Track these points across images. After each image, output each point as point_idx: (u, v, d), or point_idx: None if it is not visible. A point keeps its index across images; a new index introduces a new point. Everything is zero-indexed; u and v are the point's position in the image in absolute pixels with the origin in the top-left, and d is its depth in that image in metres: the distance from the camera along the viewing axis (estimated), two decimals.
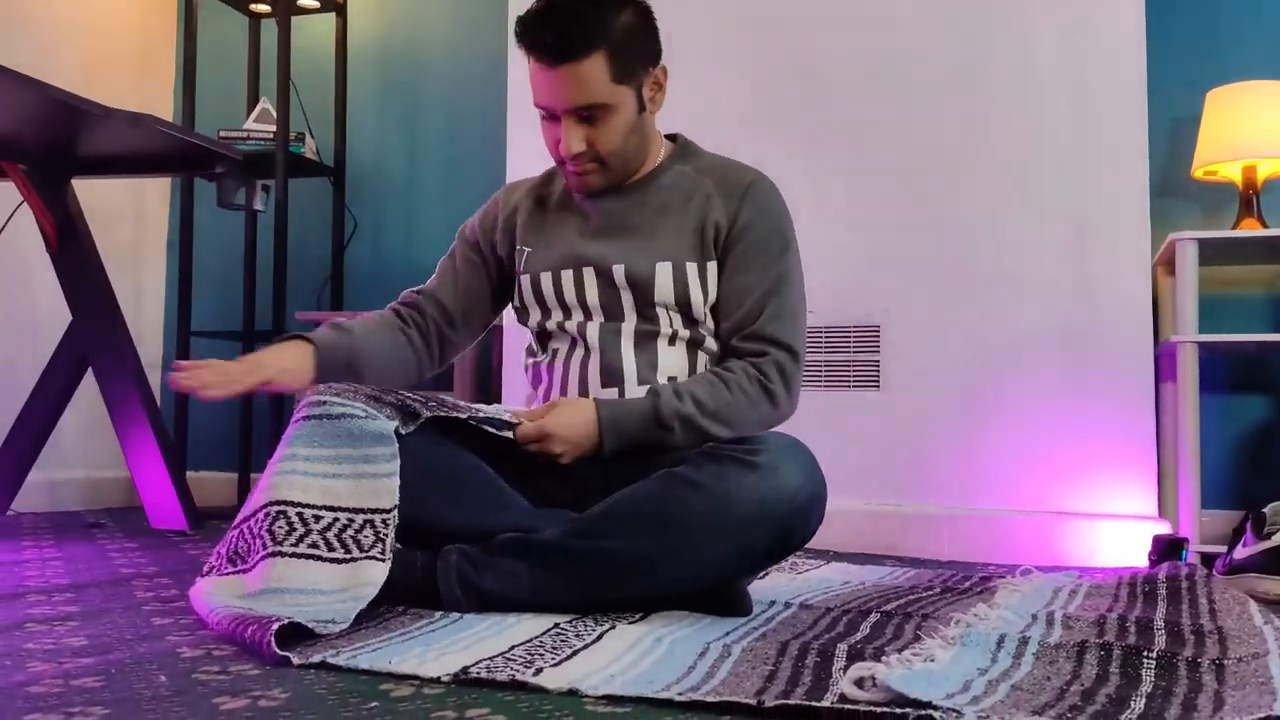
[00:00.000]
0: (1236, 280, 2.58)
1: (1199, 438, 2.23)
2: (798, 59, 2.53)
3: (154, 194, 3.46)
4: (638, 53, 1.51)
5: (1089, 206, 2.32)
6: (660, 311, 1.53)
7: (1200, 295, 2.29)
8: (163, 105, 3.45)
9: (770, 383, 1.50)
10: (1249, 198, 2.38)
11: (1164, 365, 2.44)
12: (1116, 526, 2.21)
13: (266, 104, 3.09)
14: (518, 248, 1.64)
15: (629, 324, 1.54)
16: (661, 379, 1.51)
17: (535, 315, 1.61)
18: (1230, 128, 2.36)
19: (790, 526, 1.33)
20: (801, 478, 1.33)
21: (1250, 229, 2.34)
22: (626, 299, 1.54)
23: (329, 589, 1.22)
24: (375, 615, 1.28)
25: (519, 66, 2.75)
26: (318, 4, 3.17)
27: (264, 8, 3.22)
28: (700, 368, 1.55)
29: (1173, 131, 2.60)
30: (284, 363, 1.52)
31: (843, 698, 0.90)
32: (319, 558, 1.24)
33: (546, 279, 1.59)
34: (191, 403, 3.13)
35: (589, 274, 1.56)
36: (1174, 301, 2.31)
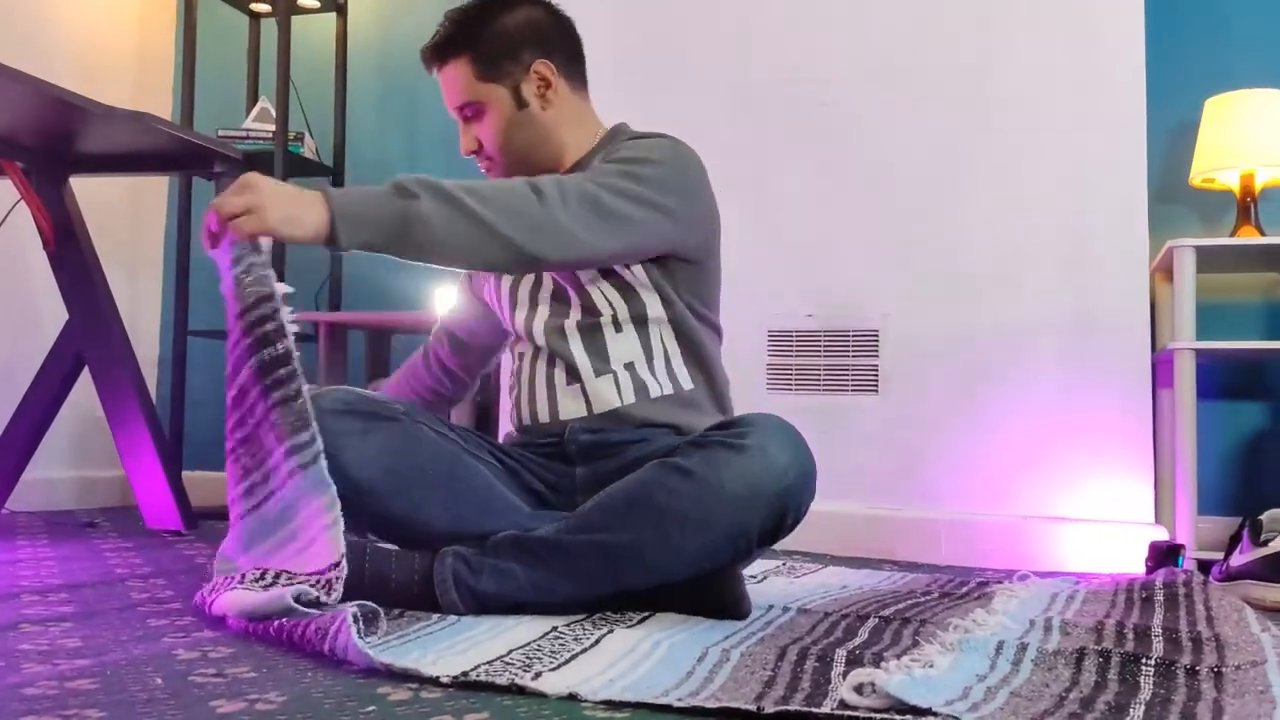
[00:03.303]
0: (1234, 288, 2.58)
1: (1196, 445, 2.23)
2: (794, 63, 2.53)
3: (152, 193, 3.45)
4: (508, 53, 1.57)
5: (1087, 213, 2.33)
6: (594, 293, 1.53)
7: (1198, 302, 2.29)
8: (162, 104, 3.44)
9: (541, 184, 1.40)
10: (1247, 205, 2.38)
11: (1161, 372, 2.44)
12: (1113, 532, 2.21)
13: (266, 103, 3.08)
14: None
15: (572, 319, 1.54)
16: (618, 368, 1.53)
17: (504, 320, 1.65)
18: (1229, 136, 2.37)
19: (783, 506, 1.33)
20: (789, 456, 1.33)
21: (1248, 237, 2.34)
22: (563, 290, 1.56)
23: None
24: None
25: None
26: (318, 4, 3.16)
27: (264, 7, 3.22)
28: (658, 346, 1.55)
29: (1171, 138, 2.60)
30: None
31: (842, 704, 0.90)
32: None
33: (505, 279, 1.63)
34: (188, 402, 3.12)
35: (532, 274, 1.59)
36: (1172, 309, 2.31)
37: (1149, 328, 2.30)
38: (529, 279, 1.61)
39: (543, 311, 1.58)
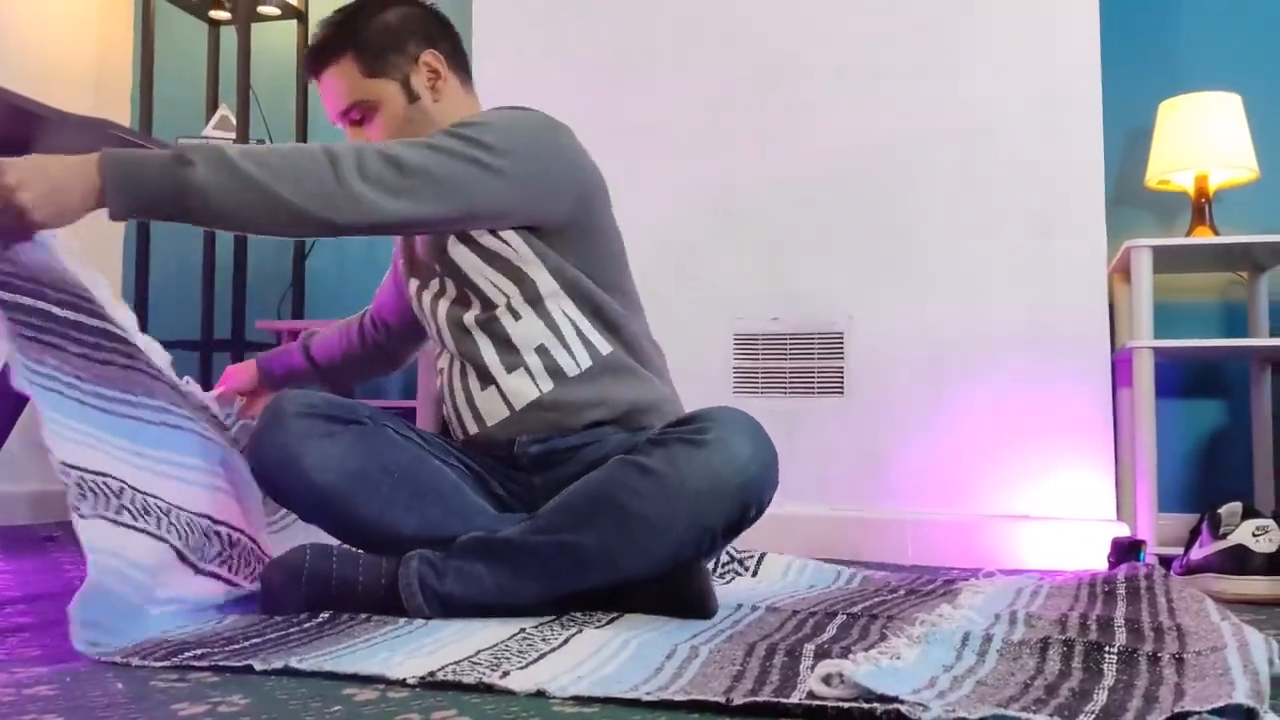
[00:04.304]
0: (1190, 287, 2.63)
1: (1156, 442, 2.26)
2: (756, 67, 2.55)
3: None
4: (393, 46, 1.54)
5: (1046, 215, 2.36)
6: (483, 283, 1.50)
7: (1155, 302, 2.33)
8: (121, 111, 3.40)
9: (339, 149, 1.34)
10: (1201, 206, 2.43)
11: (1121, 371, 2.48)
12: (1076, 529, 2.24)
13: (226, 110, 3.06)
14: (402, 261, 1.69)
15: (471, 315, 1.51)
16: (529, 355, 1.49)
17: (429, 330, 1.63)
18: (1183, 138, 2.41)
19: (745, 498, 1.33)
20: (751, 448, 1.32)
21: (1203, 236, 2.38)
22: (454, 292, 1.53)
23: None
24: (339, 622, 1.26)
25: (483, 73, 2.75)
26: (278, 11, 3.15)
27: (223, 14, 3.20)
28: (562, 320, 1.50)
29: (1127, 141, 2.65)
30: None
31: (811, 695, 0.90)
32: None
33: (413, 290, 1.62)
34: None
35: (430, 279, 1.57)
36: (1130, 308, 2.35)
37: (1108, 327, 2.33)
38: (431, 288, 1.56)
39: (445, 312, 1.55)
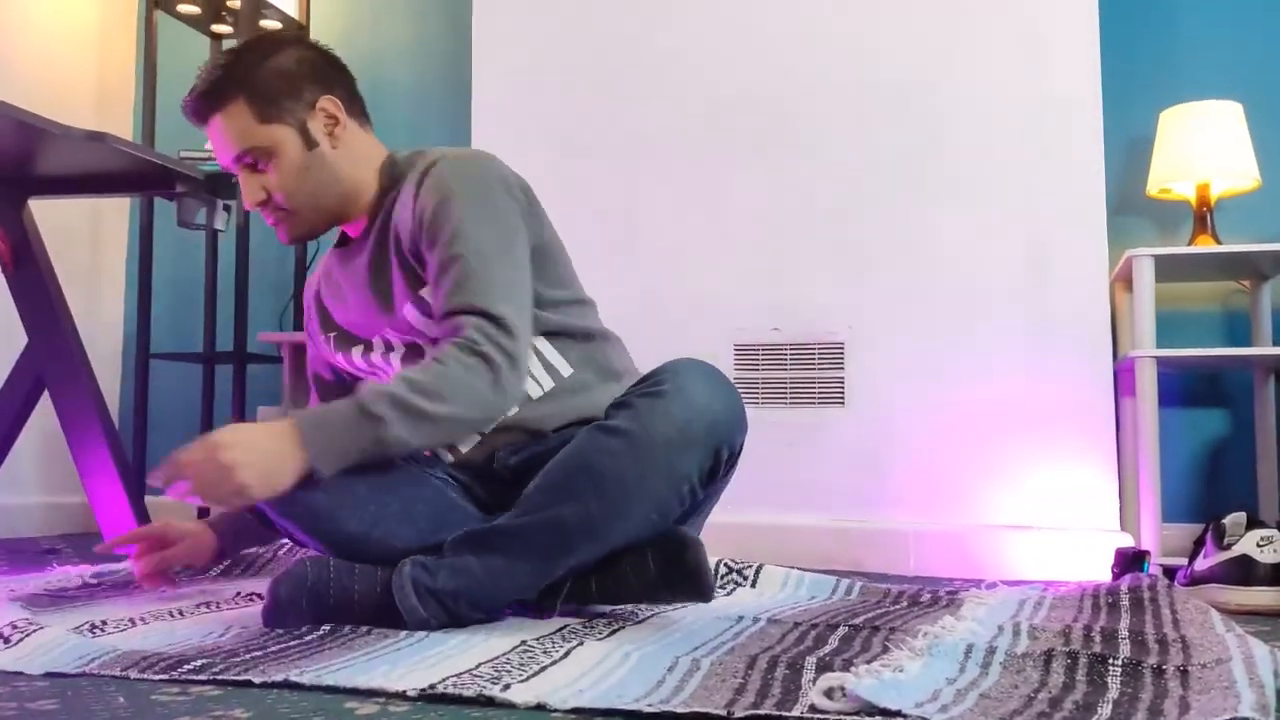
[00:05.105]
0: (1192, 296, 2.62)
1: (1159, 452, 2.26)
2: (755, 78, 2.55)
3: (113, 214, 3.42)
4: (288, 91, 1.47)
5: (1047, 224, 2.36)
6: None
7: (1157, 311, 2.33)
8: (123, 125, 3.42)
9: (479, 346, 1.36)
10: (1203, 215, 2.43)
11: (1123, 381, 2.47)
12: (1080, 540, 2.23)
13: None
14: (326, 335, 1.65)
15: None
16: None
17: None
18: (1184, 147, 2.41)
19: (716, 440, 1.35)
20: (711, 391, 1.35)
21: (1205, 245, 2.38)
22: (413, 348, 1.52)
23: None
24: (340, 635, 1.26)
25: (483, 87, 2.76)
26: (280, 25, 3.16)
27: (225, 29, 3.21)
28: (534, 363, 1.49)
29: (1128, 150, 2.65)
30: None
31: (813, 708, 0.90)
32: None
33: (358, 357, 1.59)
34: (150, 426, 3.08)
35: (378, 342, 1.56)
36: (1132, 317, 2.35)
37: (1110, 337, 2.33)
38: (378, 347, 1.56)
39: (400, 363, 1.54)
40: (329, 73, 1.53)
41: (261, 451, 1.25)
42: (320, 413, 1.31)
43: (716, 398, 1.35)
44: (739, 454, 1.41)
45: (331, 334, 1.63)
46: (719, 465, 1.39)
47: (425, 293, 1.48)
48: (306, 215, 1.51)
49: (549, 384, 1.51)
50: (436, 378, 1.34)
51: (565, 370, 1.53)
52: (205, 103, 1.47)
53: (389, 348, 1.56)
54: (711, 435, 1.35)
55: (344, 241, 1.60)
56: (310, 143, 1.49)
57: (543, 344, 1.52)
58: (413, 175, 1.51)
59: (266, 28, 3.14)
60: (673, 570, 1.36)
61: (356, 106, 1.55)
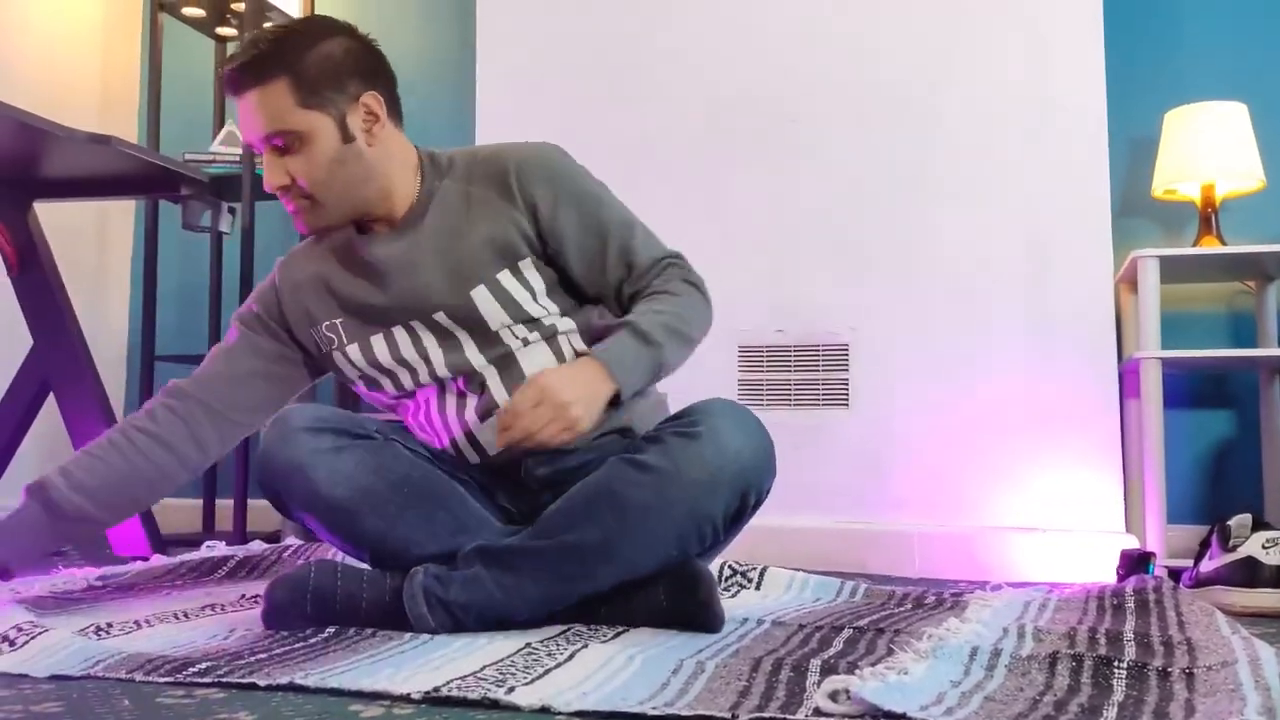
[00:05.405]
0: (1197, 297, 2.62)
1: (1164, 453, 2.25)
2: (754, 78, 2.55)
3: (118, 217, 3.43)
4: (333, 80, 1.42)
5: (1052, 226, 2.36)
6: (503, 332, 1.47)
7: (1162, 313, 2.33)
8: (127, 128, 3.42)
9: (690, 276, 1.50)
10: (1208, 216, 2.42)
11: (1128, 382, 2.47)
12: (1085, 541, 2.23)
13: (233, 126, 3.07)
14: (319, 326, 1.53)
15: (478, 357, 1.47)
16: None
17: (387, 383, 1.52)
18: (1189, 148, 2.41)
19: (743, 486, 1.34)
20: (744, 437, 1.34)
21: (1210, 246, 2.38)
22: (464, 336, 1.47)
23: None
24: (344, 637, 1.26)
25: (487, 87, 2.76)
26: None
27: (230, 31, 3.21)
28: (568, 352, 1.49)
29: (1132, 152, 2.64)
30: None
31: (817, 711, 0.90)
32: None
33: (379, 346, 1.50)
34: None
35: (419, 326, 1.48)
36: (1137, 319, 2.34)
37: (1115, 338, 2.32)
38: (430, 338, 1.48)
39: (443, 359, 1.48)
40: (375, 69, 1.49)
41: (584, 386, 1.34)
42: (614, 347, 1.39)
43: (748, 444, 1.34)
44: (765, 498, 1.39)
45: (339, 319, 1.52)
46: (745, 509, 1.37)
47: (526, 266, 1.47)
48: (331, 207, 1.46)
49: None
50: (684, 306, 1.46)
51: None
52: (246, 76, 1.41)
53: (430, 331, 1.48)
54: (739, 480, 1.34)
55: (363, 229, 1.52)
56: (347, 136, 1.44)
57: (582, 348, 1.49)
58: (459, 175, 1.51)
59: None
60: (683, 604, 1.36)
61: (395, 107, 1.51)
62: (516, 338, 1.47)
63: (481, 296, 1.46)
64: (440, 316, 1.47)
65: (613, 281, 1.50)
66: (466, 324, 1.47)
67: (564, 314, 1.50)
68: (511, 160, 1.49)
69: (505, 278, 1.47)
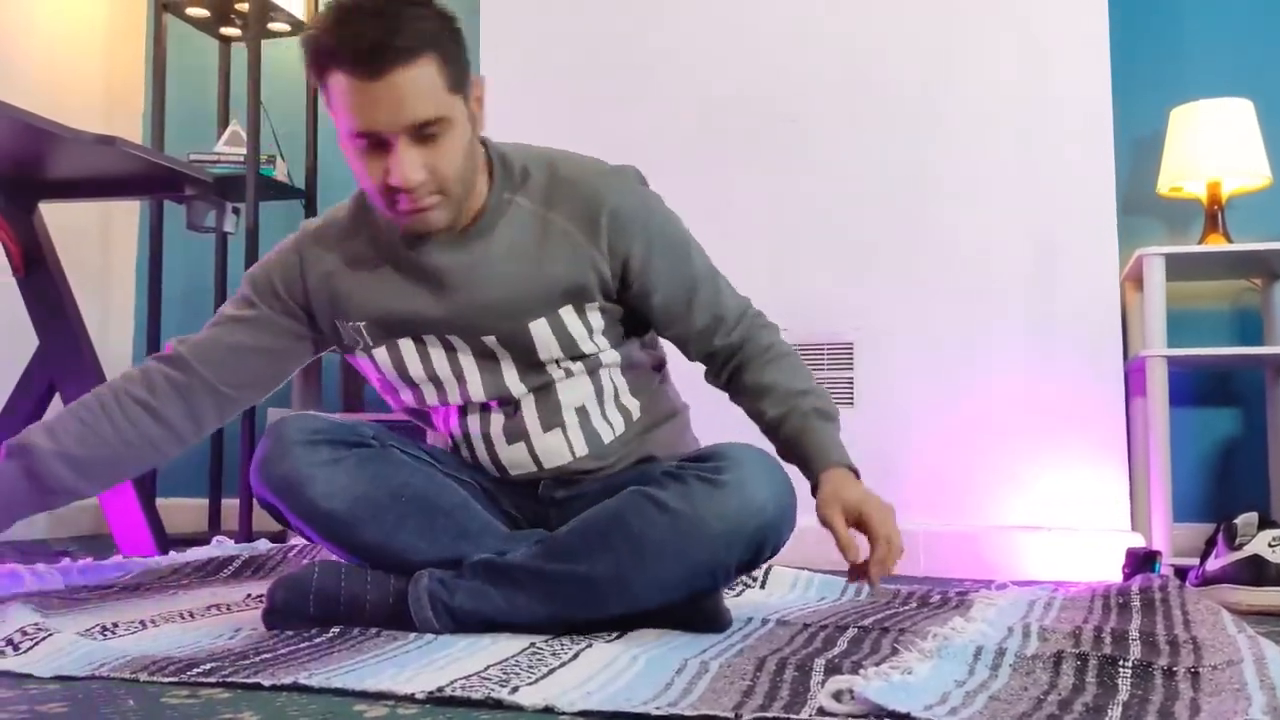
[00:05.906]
0: (1203, 295, 2.61)
1: (1170, 451, 2.25)
2: (757, 79, 2.55)
3: (122, 217, 3.43)
4: (467, 62, 1.30)
5: (1057, 224, 2.35)
6: (550, 365, 1.42)
7: (1168, 310, 2.32)
8: (132, 128, 3.43)
9: (769, 324, 1.54)
10: (1214, 213, 2.42)
11: (1134, 380, 2.46)
12: (1090, 540, 2.22)
13: (237, 127, 3.08)
14: (347, 325, 1.43)
15: (519, 385, 1.42)
16: (568, 416, 1.43)
17: (406, 394, 1.46)
18: (1194, 145, 2.40)
19: (761, 540, 1.31)
20: (769, 491, 1.30)
21: (1216, 244, 2.37)
22: (507, 362, 1.41)
23: None
24: (349, 637, 1.26)
25: (491, 82, 2.76)
26: (288, 27, 3.16)
27: (234, 31, 3.22)
28: (607, 385, 1.46)
29: (1138, 149, 2.64)
30: None
31: (821, 710, 0.90)
32: None
33: (410, 357, 1.42)
34: None
35: (457, 342, 1.40)
36: (1143, 317, 2.34)
37: (1121, 336, 2.32)
38: (468, 358, 1.41)
39: (480, 382, 1.42)
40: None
41: (871, 497, 1.41)
42: (835, 450, 1.43)
43: (772, 498, 1.30)
44: (781, 549, 1.36)
45: (362, 322, 1.42)
46: (759, 560, 1.34)
47: (591, 307, 1.40)
48: (456, 202, 1.32)
49: (620, 428, 1.47)
50: (800, 363, 1.51)
51: (635, 414, 1.49)
52: (394, 52, 1.21)
53: (471, 350, 1.40)
54: (759, 534, 1.30)
55: (413, 231, 1.37)
56: (475, 123, 1.33)
57: (623, 382, 1.47)
58: (537, 196, 1.39)
59: (276, 30, 3.15)
60: (690, 615, 1.35)
61: None
62: (561, 368, 1.42)
63: (539, 328, 1.39)
64: (490, 340, 1.40)
65: (696, 328, 1.46)
66: (514, 350, 1.40)
67: (611, 347, 1.46)
68: (605, 200, 1.38)
69: (567, 313, 1.40)
